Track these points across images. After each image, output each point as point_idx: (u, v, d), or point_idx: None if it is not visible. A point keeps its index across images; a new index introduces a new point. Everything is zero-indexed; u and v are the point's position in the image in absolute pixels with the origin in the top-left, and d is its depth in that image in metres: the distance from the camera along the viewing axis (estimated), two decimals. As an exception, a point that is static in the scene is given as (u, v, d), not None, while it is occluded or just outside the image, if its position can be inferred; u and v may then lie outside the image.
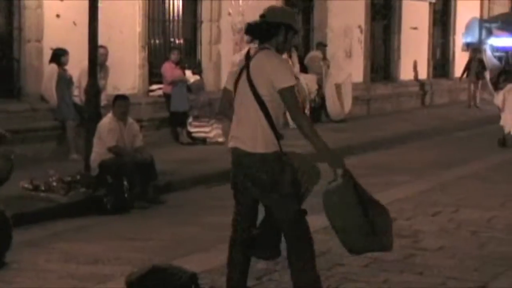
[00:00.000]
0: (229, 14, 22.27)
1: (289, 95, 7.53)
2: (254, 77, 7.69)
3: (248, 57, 7.93)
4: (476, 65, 30.56)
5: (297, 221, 7.77)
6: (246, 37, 8.86)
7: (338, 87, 25.88)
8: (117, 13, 17.53)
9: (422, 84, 32.64)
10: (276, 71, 7.59)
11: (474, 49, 32.95)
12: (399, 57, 31.43)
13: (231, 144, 7.91)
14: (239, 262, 8.12)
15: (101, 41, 14.85)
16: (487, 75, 32.16)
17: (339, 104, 25.86)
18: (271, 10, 8.36)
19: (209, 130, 19.84)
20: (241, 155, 7.81)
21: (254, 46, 8.19)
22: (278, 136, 7.76)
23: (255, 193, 7.78)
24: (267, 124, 7.66)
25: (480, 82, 31.64)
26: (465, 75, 31.87)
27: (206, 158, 17.27)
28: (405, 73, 31.30)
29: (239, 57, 8.80)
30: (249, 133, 7.72)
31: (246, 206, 7.93)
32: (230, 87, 8.04)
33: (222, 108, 8.59)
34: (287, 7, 9.62)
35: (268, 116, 7.68)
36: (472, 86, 31.51)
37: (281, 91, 7.45)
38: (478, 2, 37.85)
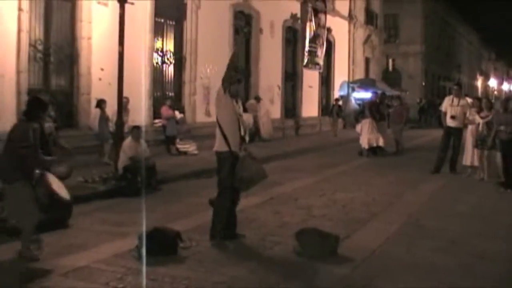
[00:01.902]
0: (201, 78, 22.29)
1: None
2: None
3: None
4: (336, 109, 30.79)
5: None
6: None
7: (267, 120, 26.22)
8: (134, 77, 17.49)
9: (314, 119, 32.83)
10: None
11: (336, 99, 33.14)
12: (301, 103, 31.58)
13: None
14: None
15: (125, 94, 14.79)
16: (352, 113, 32.45)
17: (269, 130, 26.12)
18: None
19: (189, 147, 19.79)
20: None
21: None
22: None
23: None
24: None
25: (339, 119, 31.64)
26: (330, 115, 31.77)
27: (186, 164, 17.25)
28: (305, 113, 31.48)
29: None
30: None
31: None
32: None
33: None
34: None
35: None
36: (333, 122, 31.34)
37: None
38: (347, 71, 38.14)
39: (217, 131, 8.88)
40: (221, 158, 8.85)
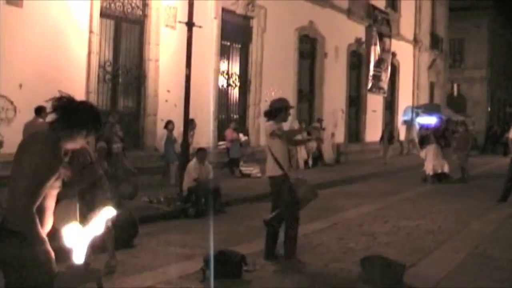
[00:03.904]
0: (266, 100, 22.34)
1: None
2: None
3: None
4: (387, 135, 29.41)
5: None
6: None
7: (332, 145, 26.11)
8: (200, 99, 17.68)
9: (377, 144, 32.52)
10: None
11: (386, 124, 32.36)
12: (365, 127, 31.40)
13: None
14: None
15: (190, 116, 14.95)
16: (416, 139, 31.87)
17: (331, 155, 26.02)
18: (273, 101, 9.70)
19: (253, 169, 19.85)
20: None
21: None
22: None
23: None
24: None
25: (390, 146, 29.55)
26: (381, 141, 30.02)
27: (249, 186, 17.27)
28: (369, 137, 31.22)
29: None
30: None
31: None
32: None
33: None
34: (282, 98, 10.01)
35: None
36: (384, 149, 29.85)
37: None
38: (411, 96, 37.80)
39: (269, 157, 9.26)
40: (276, 183, 9.12)
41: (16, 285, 3.90)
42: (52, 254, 3.91)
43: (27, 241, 3.83)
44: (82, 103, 4.16)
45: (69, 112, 4.02)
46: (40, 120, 13.33)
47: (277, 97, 10.69)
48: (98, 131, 4.21)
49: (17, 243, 3.84)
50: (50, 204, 4.08)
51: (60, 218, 8.34)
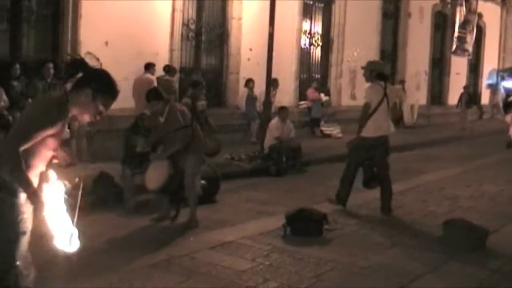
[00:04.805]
0: (348, 61, 22.16)
1: None
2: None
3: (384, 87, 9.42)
4: (466, 98, 28.37)
5: None
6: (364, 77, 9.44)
7: (411, 106, 25.70)
8: (282, 58, 17.62)
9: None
10: None
11: (465, 87, 31.12)
12: (447, 90, 30.78)
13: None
14: None
15: (273, 74, 14.97)
16: (500, 103, 30.96)
17: (411, 117, 25.66)
18: (370, 63, 9.91)
19: (333, 129, 19.77)
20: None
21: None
22: None
23: None
24: None
25: (468, 110, 28.01)
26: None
27: (330, 146, 17.20)
28: (451, 100, 30.54)
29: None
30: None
31: None
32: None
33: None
34: (378, 60, 10.27)
35: None
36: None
37: None
38: (497, 59, 36.76)
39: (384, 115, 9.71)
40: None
41: None
42: (41, 198, 3.80)
43: (6, 193, 3.82)
44: (91, 67, 4.10)
45: (75, 70, 4.05)
46: (148, 75, 14.15)
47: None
48: (106, 96, 4.04)
49: None
50: (37, 164, 3.93)
51: (151, 179, 8.66)
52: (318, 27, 21.55)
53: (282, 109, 14.46)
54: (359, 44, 22.07)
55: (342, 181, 9.81)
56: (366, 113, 9.47)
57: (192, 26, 16.86)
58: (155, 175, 8.49)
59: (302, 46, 20.67)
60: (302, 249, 7.56)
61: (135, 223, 8.69)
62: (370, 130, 9.47)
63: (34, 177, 3.89)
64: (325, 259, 7.21)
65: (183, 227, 8.50)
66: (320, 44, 21.66)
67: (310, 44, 21.27)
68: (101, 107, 4.03)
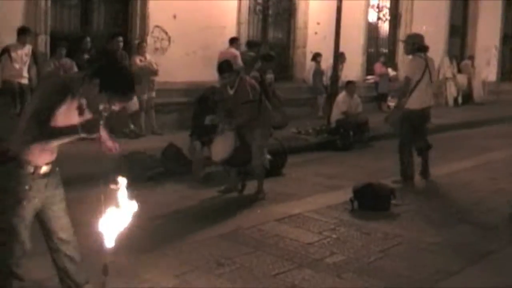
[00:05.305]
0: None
1: None
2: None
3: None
4: None
5: None
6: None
7: (482, 82, 25.22)
8: (350, 32, 17.44)
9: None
10: None
11: None
12: (519, 66, 30.04)
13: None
14: None
15: (340, 49, 14.87)
16: None
17: (481, 93, 25.15)
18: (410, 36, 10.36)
19: (401, 104, 19.56)
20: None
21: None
22: None
23: None
24: None
25: None
26: None
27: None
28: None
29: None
30: None
31: None
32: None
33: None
34: (418, 32, 10.48)
35: None
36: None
37: None
38: None
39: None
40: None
41: None
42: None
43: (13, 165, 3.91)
44: (114, 62, 4.06)
45: (93, 60, 4.06)
46: (233, 49, 14.35)
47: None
48: (112, 92, 3.91)
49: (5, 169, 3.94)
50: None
51: (217, 151, 8.76)
52: (386, 1, 21.26)
53: (349, 83, 14.38)
54: (428, 19, 21.63)
55: (402, 159, 9.75)
56: (408, 86, 9.50)
57: (260, 0, 16.84)
58: (221, 147, 8.58)
59: (370, 20, 20.43)
60: (369, 223, 7.56)
61: (203, 195, 8.82)
62: (416, 102, 9.54)
63: (50, 151, 4.05)
64: (392, 234, 7.19)
65: (250, 199, 8.60)
66: (388, 18, 21.38)
67: (378, 18, 21.01)
68: (105, 102, 3.92)
